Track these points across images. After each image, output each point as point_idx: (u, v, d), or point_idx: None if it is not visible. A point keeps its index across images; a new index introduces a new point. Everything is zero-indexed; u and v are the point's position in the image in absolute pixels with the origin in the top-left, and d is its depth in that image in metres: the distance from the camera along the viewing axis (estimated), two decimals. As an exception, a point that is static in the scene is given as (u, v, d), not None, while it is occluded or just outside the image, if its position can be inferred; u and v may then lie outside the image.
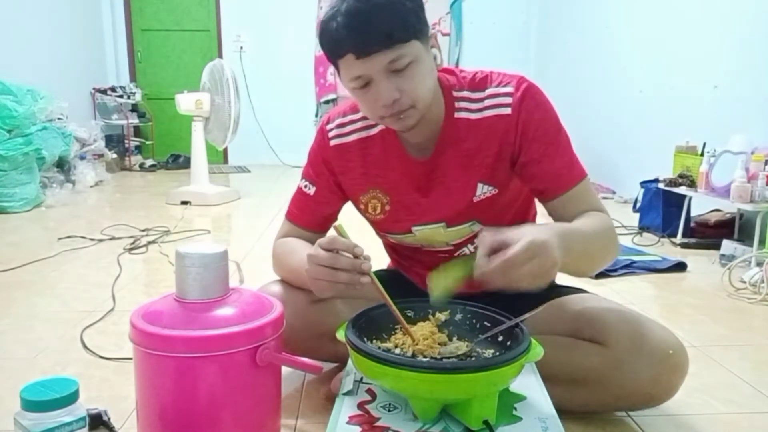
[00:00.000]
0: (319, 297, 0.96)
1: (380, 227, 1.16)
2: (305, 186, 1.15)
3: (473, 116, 1.03)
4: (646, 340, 0.95)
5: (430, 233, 1.10)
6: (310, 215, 1.15)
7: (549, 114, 1.02)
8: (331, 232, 0.93)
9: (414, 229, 1.10)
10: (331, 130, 1.12)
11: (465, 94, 1.04)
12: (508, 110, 1.01)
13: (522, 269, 0.76)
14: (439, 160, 1.05)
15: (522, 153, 1.01)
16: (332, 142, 1.11)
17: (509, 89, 1.01)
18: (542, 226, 0.86)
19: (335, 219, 1.17)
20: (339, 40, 0.90)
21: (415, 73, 0.92)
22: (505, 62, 5.85)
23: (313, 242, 1.12)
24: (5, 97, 3.50)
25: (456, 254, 1.14)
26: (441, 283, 0.83)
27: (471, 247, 1.13)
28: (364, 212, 1.15)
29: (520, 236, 0.77)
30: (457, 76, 1.05)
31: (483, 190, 1.05)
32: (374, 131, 1.09)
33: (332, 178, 1.13)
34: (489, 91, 1.02)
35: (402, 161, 1.07)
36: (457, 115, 1.03)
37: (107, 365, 1.33)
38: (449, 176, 1.05)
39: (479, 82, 1.04)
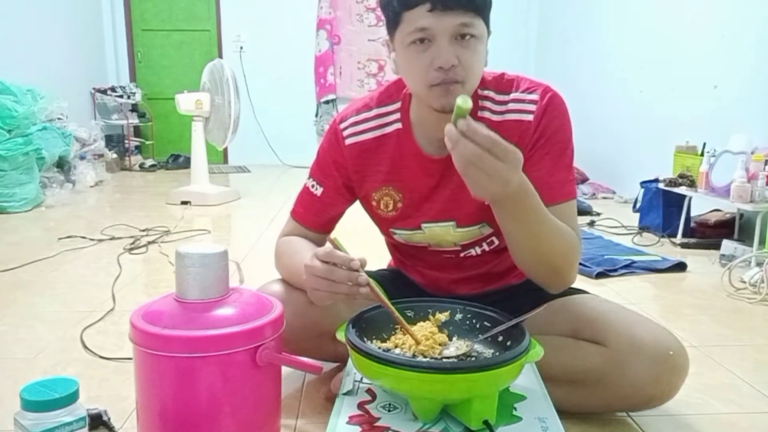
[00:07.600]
0: (318, 305, 0.96)
1: (390, 224, 1.14)
2: (312, 186, 1.14)
3: (494, 117, 1.02)
4: (646, 341, 0.95)
5: (440, 231, 1.10)
6: (315, 216, 1.15)
7: (564, 128, 1.02)
8: (328, 246, 0.92)
9: (424, 226, 1.10)
10: (346, 128, 1.10)
11: (489, 93, 1.03)
12: (530, 117, 1.00)
13: (487, 162, 0.78)
14: None
15: (527, 157, 1.01)
16: (348, 141, 1.10)
17: (535, 97, 1.01)
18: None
19: (340, 219, 1.17)
20: None
21: (476, 49, 0.92)
22: (505, 62, 5.82)
23: (317, 242, 1.12)
24: (5, 97, 3.49)
25: (462, 255, 1.13)
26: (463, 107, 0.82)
27: (478, 249, 1.12)
28: (375, 209, 1.14)
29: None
30: (482, 75, 1.04)
31: None
32: (389, 129, 1.08)
33: (341, 179, 1.12)
34: (514, 96, 1.02)
35: (417, 159, 1.06)
36: (479, 114, 1.03)
37: (107, 365, 1.33)
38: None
39: (505, 84, 1.04)
